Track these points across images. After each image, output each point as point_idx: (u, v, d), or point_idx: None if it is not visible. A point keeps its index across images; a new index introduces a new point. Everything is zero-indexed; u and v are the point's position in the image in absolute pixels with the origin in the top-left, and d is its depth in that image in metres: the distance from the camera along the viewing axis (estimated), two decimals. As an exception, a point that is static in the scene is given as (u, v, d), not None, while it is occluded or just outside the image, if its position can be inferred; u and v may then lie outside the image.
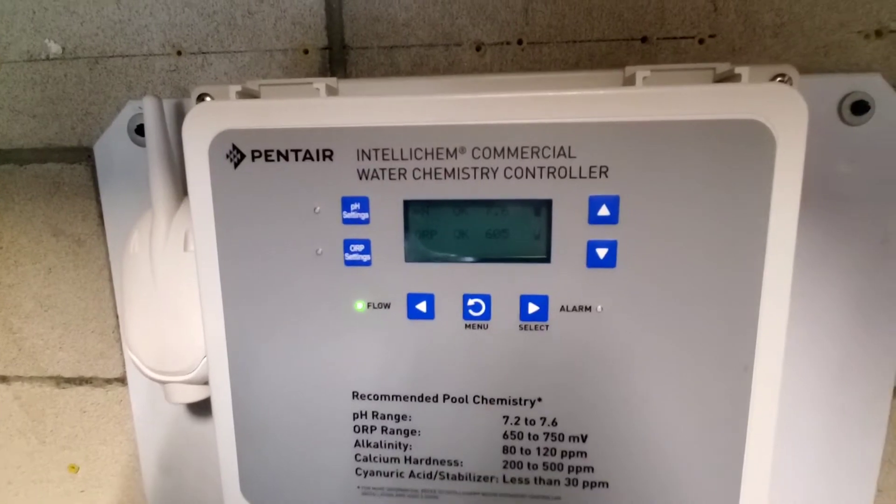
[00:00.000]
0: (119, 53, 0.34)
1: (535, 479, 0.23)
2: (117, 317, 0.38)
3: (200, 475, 0.37)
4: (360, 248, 0.21)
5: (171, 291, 0.29)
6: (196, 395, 0.31)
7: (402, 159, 0.20)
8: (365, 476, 0.23)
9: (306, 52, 0.33)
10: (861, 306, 0.32)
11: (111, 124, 0.34)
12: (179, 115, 0.32)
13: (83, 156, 0.36)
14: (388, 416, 0.23)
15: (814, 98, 0.29)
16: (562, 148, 0.19)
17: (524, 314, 0.21)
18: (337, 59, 0.33)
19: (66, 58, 0.34)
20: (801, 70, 0.31)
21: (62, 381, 0.40)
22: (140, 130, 0.33)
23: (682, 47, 0.31)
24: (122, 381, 0.39)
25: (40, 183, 0.36)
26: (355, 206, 0.21)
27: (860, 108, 0.30)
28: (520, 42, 0.32)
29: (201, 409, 0.36)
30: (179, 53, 0.33)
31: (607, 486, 0.22)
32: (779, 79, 0.20)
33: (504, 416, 0.22)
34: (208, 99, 0.23)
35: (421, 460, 0.23)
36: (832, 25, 0.30)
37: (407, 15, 0.32)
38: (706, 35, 0.31)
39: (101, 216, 0.36)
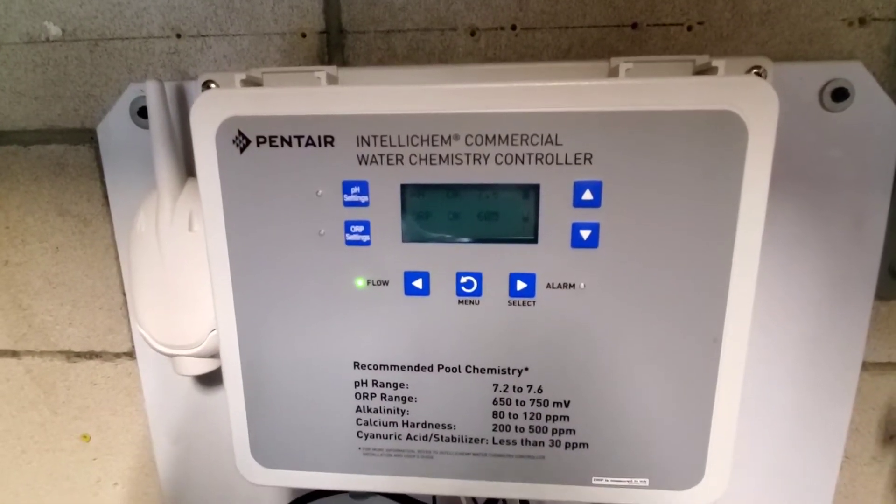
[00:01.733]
0: (119, 36, 0.34)
1: (522, 440, 0.24)
2: (124, 294, 0.39)
3: (209, 443, 0.39)
4: (360, 228, 0.22)
5: (178, 269, 0.30)
6: (204, 367, 0.32)
7: (400, 145, 0.21)
8: (366, 438, 0.25)
9: (304, 35, 0.33)
10: (835, 284, 0.34)
11: (113, 106, 0.34)
12: (181, 97, 0.33)
13: (86, 137, 0.36)
14: (387, 384, 0.24)
15: (796, 85, 0.31)
16: (549, 136, 0.20)
17: (513, 291, 0.22)
18: (334, 42, 0.33)
19: (66, 40, 0.35)
20: (785, 57, 0.32)
21: (72, 356, 0.41)
22: (142, 112, 0.34)
23: (672, 34, 0.32)
24: (131, 355, 0.40)
25: (45, 164, 0.37)
26: (355, 189, 0.22)
27: (840, 95, 0.31)
28: (513, 27, 0.32)
29: (209, 380, 0.38)
30: (179, 36, 0.34)
31: (587, 446, 0.24)
32: (754, 71, 0.21)
33: (494, 384, 0.24)
34: (214, 86, 0.24)
35: (417, 424, 0.24)
36: (817, 13, 0.31)
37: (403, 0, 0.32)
38: (694, 22, 0.32)
39: (105, 196, 0.37)
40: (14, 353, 0.42)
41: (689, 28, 0.31)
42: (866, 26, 0.31)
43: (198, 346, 0.31)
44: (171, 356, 0.32)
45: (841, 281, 0.34)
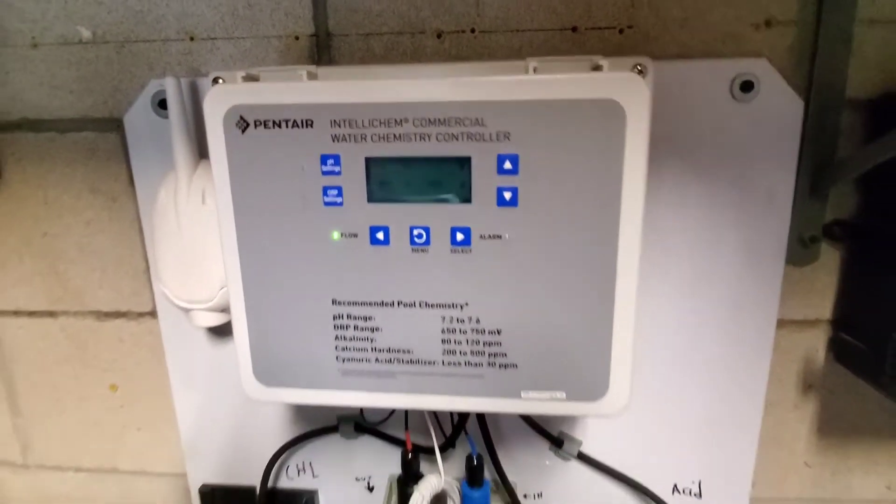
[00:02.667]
0: (142, 39, 0.40)
1: (465, 362, 0.29)
2: (147, 261, 0.44)
3: (219, 389, 0.44)
4: (335, 192, 0.27)
5: (193, 236, 0.35)
6: (216, 320, 0.37)
7: (364, 127, 0.26)
8: (343, 362, 0.30)
9: (297, 38, 0.39)
10: (751, 251, 0.39)
11: (137, 99, 0.40)
12: (194, 91, 0.39)
13: (114, 126, 0.42)
14: (357, 317, 0.29)
15: (710, 79, 0.36)
16: (476, 118, 0.26)
17: (454, 241, 0.27)
18: (322, 44, 0.39)
19: (97, 42, 0.40)
20: (703, 55, 0.37)
21: (102, 315, 0.46)
22: (162, 104, 0.39)
23: (606, 36, 0.37)
24: (153, 314, 0.45)
25: (78, 148, 0.42)
26: (330, 161, 0.27)
27: (747, 86, 0.36)
28: (473, 31, 0.38)
29: (219, 334, 0.43)
30: (192, 39, 0.40)
31: (517, 366, 0.29)
32: (637, 67, 0.27)
33: (442, 317, 0.29)
34: (221, 81, 0.30)
35: (383, 350, 0.30)
36: (729, 18, 0.37)
37: (379, 7, 0.38)
38: (625, 26, 0.37)
39: (131, 177, 0.42)
40: (51, 314, 0.47)
41: (621, 31, 0.37)
42: (771, 29, 0.37)
43: (211, 301, 0.36)
44: (188, 310, 0.37)
45: (756, 247, 0.39)
